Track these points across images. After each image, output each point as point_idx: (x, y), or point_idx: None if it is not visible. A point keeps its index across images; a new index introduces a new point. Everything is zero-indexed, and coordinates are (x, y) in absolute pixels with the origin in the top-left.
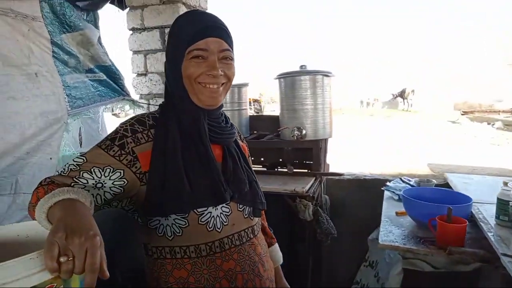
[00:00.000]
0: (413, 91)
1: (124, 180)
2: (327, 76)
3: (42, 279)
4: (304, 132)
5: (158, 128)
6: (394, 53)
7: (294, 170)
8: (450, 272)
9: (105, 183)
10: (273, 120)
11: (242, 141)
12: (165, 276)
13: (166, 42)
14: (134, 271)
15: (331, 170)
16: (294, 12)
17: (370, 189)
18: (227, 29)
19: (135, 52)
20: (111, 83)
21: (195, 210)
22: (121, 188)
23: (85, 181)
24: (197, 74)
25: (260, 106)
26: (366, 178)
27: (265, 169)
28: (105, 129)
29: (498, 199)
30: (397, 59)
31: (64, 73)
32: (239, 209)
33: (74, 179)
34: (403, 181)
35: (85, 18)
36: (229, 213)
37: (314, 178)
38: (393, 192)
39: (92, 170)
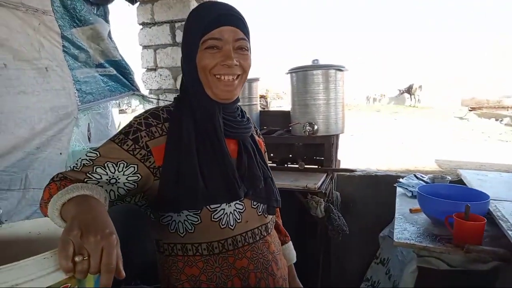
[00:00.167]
0: (420, 86)
1: (138, 175)
2: (340, 70)
3: (56, 280)
4: (316, 127)
5: (172, 122)
6: (400, 49)
7: (305, 166)
8: (466, 271)
9: (118, 179)
10: (284, 116)
11: (259, 136)
12: (176, 274)
13: (182, 36)
14: (142, 267)
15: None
16: (297, 9)
17: (381, 186)
18: (243, 18)
19: (145, 47)
20: (121, 78)
21: (208, 207)
22: (134, 184)
23: (99, 177)
24: (211, 65)
25: (266, 102)
26: (377, 174)
27: (275, 164)
28: (114, 125)
29: None
30: (403, 55)
31: (74, 68)
32: (253, 206)
33: (88, 174)
34: (417, 178)
35: (95, 12)
36: (243, 210)
37: (325, 174)
38: (406, 188)
39: (105, 165)
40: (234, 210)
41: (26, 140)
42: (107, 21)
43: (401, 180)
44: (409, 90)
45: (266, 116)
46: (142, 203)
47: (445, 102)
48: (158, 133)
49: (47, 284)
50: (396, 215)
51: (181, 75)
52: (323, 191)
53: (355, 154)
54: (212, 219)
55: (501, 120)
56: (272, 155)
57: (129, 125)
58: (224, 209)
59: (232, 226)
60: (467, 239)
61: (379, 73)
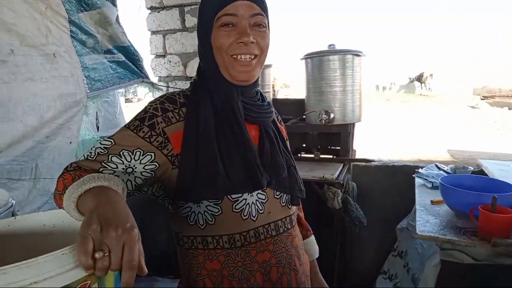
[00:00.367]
0: (431, 75)
1: (155, 163)
2: (357, 55)
3: (76, 277)
4: (332, 116)
5: (189, 107)
6: (414, 31)
7: (320, 156)
8: (492, 265)
9: (135, 168)
10: (298, 104)
11: (280, 123)
12: (197, 268)
13: (197, 17)
14: (156, 260)
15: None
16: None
17: (398, 176)
18: None
19: (154, 33)
20: (130, 65)
21: (229, 197)
22: (152, 172)
23: (115, 166)
24: (227, 44)
25: (274, 91)
26: (394, 164)
27: None
28: (122, 114)
29: None
30: (416, 37)
31: (83, 54)
32: (275, 196)
33: (103, 163)
34: (439, 168)
35: None
36: (265, 200)
37: (342, 165)
38: (426, 179)
39: (121, 153)
40: (256, 200)
41: (35, 128)
42: (114, 5)
43: (420, 170)
44: (419, 78)
45: (279, 104)
46: (160, 193)
47: (457, 91)
48: (175, 118)
49: (66, 282)
50: (417, 207)
51: (191, 61)
52: (341, 182)
53: (367, 143)
54: (234, 210)
55: None
56: None
57: (144, 110)
58: (246, 199)
59: (254, 217)
60: (494, 232)
61: (390, 59)
